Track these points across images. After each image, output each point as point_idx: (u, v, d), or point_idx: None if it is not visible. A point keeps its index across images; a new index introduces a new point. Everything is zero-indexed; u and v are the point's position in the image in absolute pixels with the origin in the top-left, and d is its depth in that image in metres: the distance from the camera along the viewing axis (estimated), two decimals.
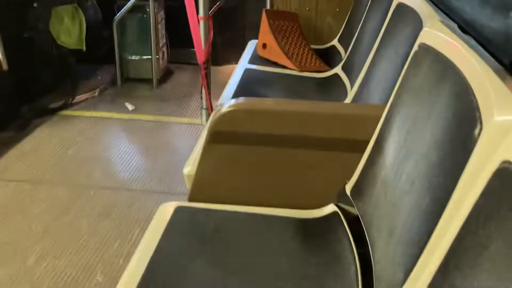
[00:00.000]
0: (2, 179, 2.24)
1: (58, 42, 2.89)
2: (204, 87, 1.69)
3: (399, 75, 1.17)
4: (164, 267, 1.04)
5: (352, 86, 1.80)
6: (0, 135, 2.60)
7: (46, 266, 1.72)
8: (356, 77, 1.76)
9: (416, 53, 1.04)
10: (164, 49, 3.44)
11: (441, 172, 0.72)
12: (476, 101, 0.68)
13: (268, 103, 1.35)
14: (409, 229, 0.79)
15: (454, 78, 0.81)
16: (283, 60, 2.27)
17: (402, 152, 0.93)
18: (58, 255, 1.78)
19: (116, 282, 1.66)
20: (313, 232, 1.18)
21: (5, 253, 1.78)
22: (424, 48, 1.00)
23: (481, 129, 0.63)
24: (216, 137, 1.28)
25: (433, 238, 0.67)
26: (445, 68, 0.87)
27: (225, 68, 3.71)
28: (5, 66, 2.48)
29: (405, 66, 1.06)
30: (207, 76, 1.77)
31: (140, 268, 1.03)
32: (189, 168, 1.38)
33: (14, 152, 2.47)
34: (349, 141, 1.22)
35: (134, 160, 2.47)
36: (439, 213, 0.68)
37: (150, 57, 3.26)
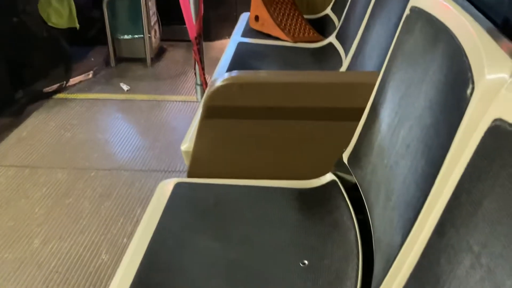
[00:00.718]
0: (2, 165, 2.24)
1: (50, 23, 2.85)
2: (197, 63, 1.68)
3: (391, 41, 1.16)
4: (166, 243, 1.06)
5: (346, 54, 1.79)
6: None
7: (51, 248, 1.75)
8: (350, 45, 1.75)
9: (408, 16, 1.03)
10: (156, 27, 3.40)
11: (435, 134, 0.73)
12: (468, 61, 0.68)
13: (262, 75, 1.35)
14: (405, 192, 0.80)
15: (446, 40, 0.80)
16: (276, 32, 2.24)
17: (397, 117, 0.93)
18: (63, 236, 1.80)
19: (121, 260, 1.70)
20: (312, 202, 1.19)
21: (11, 237, 1.80)
22: (416, 11, 0.99)
23: (473, 88, 0.63)
24: (211, 112, 1.28)
25: (429, 200, 0.68)
26: (437, 30, 0.86)
27: (218, 43, 3.67)
28: None
29: (398, 31, 1.05)
30: (200, 51, 1.75)
31: (142, 245, 1.04)
32: (187, 144, 1.38)
33: (11, 138, 2.47)
34: (345, 109, 1.22)
35: (132, 140, 2.47)
36: (434, 174, 0.69)
37: (142, 35, 3.23)
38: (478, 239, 0.52)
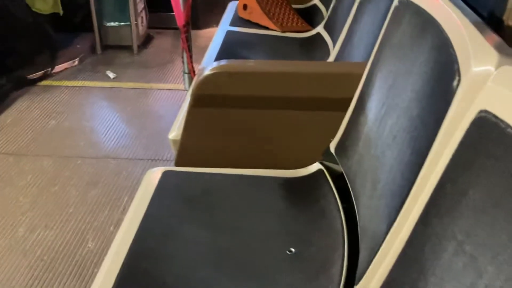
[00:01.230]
0: None
1: (34, 9, 2.80)
2: (185, 51, 1.66)
3: (379, 31, 1.17)
4: (154, 231, 1.06)
5: (334, 45, 1.79)
6: None
7: (37, 235, 1.74)
8: (338, 35, 1.75)
9: (396, 8, 1.03)
10: (143, 14, 3.36)
11: (422, 125, 0.74)
12: (455, 53, 0.69)
13: (250, 65, 1.35)
14: (391, 182, 0.81)
15: (434, 32, 0.81)
16: (264, 21, 2.24)
17: (384, 108, 0.94)
18: (48, 224, 1.79)
19: (108, 248, 1.69)
20: (299, 190, 1.20)
21: None
22: (404, 3, 1.00)
23: (459, 80, 0.64)
24: (199, 101, 1.28)
25: (414, 189, 0.69)
26: (425, 22, 0.87)
27: (206, 31, 3.65)
28: None
29: (386, 22, 1.06)
30: (188, 39, 1.74)
31: (130, 233, 1.05)
32: (174, 133, 1.38)
33: None
34: (333, 100, 1.23)
35: (119, 129, 2.46)
36: (420, 164, 0.70)
37: (129, 23, 3.19)
38: (462, 228, 0.54)
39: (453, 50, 0.70)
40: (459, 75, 0.65)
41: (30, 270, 1.59)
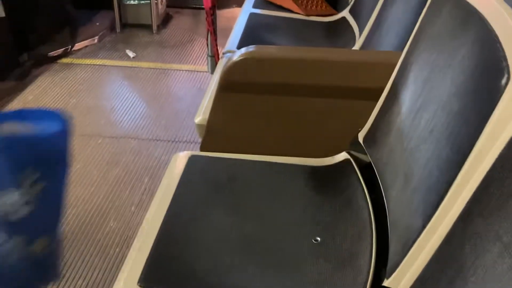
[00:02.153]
0: None
1: None
2: (211, 34, 1.65)
3: (413, 20, 1.15)
4: (182, 216, 1.07)
5: (360, 31, 1.77)
6: (2, 85, 2.57)
7: None
8: (366, 21, 1.72)
9: None
10: None
11: (463, 122, 0.73)
12: (503, 50, 0.67)
13: (280, 51, 1.33)
14: (427, 177, 0.80)
15: (477, 25, 0.79)
16: (288, 3, 2.21)
17: (420, 100, 0.93)
18: (71, 203, 1.82)
19: (129, 228, 1.73)
20: (326, 180, 1.20)
21: None
22: None
23: (508, 78, 0.63)
24: (227, 86, 1.27)
25: (454, 187, 0.69)
26: (467, 14, 0.85)
27: (226, 11, 3.61)
28: (1, 13, 2.41)
29: (423, 12, 1.04)
30: (214, 22, 1.72)
31: (158, 217, 1.06)
32: (200, 117, 1.38)
33: (16, 102, 2.46)
34: (362, 89, 1.22)
35: (139, 108, 2.46)
36: (461, 162, 0.69)
37: (149, 1, 3.17)
38: (509, 230, 0.53)
39: (501, 46, 0.68)
40: (508, 74, 0.63)
41: None
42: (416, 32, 1.05)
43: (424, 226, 0.74)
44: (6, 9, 2.46)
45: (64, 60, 2.90)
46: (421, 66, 0.98)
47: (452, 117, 0.77)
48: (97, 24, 3.32)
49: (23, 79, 2.65)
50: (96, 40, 3.12)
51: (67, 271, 1.54)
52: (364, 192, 1.13)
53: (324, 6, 2.24)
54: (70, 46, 2.95)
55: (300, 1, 2.22)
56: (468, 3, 0.86)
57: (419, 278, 0.71)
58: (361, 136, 1.18)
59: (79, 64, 2.88)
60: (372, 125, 1.14)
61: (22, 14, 2.66)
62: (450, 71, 0.83)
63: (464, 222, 0.64)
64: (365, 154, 1.16)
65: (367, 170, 1.16)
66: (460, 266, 0.62)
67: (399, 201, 0.91)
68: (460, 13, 0.88)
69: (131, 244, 1.65)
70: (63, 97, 2.52)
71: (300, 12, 2.18)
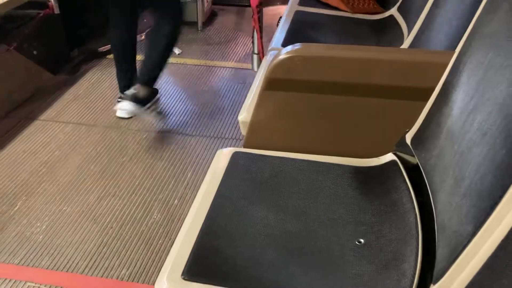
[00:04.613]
0: (60, 121, 2.34)
1: None
2: (257, 31, 1.65)
3: (466, 19, 1.11)
4: (226, 211, 1.08)
5: (409, 29, 1.72)
6: (54, 78, 2.68)
7: (106, 204, 1.83)
8: (415, 19, 1.68)
9: None
10: None
11: None
12: None
13: (326, 49, 1.32)
14: (479, 181, 0.78)
15: None
16: (334, 1, 2.18)
17: (473, 102, 0.89)
18: (117, 194, 1.88)
19: (172, 221, 1.76)
20: (370, 181, 1.18)
21: (69, 191, 1.89)
22: None
23: None
24: (272, 84, 1.27)
25: (510, 192, 0.66)
26: None
27: (270, 9, 3.61)
28: (56, 10, 2.51)
29: (479, 10, 1.00)
30: (260, 20, 1.72)
31: (202, 211, 1.07)
32: (244, 114, 1.39)
33: (68, 95, 2.56)
34: (411, 88, 1.19)
35: (183, 104, 2.51)
36: None
37: None
38: None
39: None
40: None
41: (100, 236, 1.69)
42: (470, 31, 1.02)
43: (475, 232, 0.71)
44: (60, 6, 2.57)
45: (112, 56, 2.98)
46: (475, 66, 0.94)
47: (509, 119, 0.74)
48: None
49: (74, 74, 2.76)
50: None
51: (112, 259, 1.60)
52: (411, 195, 1.10)
53: (371, 4, 2.20)
54: None
55: None
56: None
57: (469, 285, 0.69)
58: (408, 137, 1.15)
59: None
60: (421, 126, 1.12)
61: (74, 11, 2.76)
62: (507, 72, 0.80)
63: None
64: (412, 155, 1.14)
65: (414, 172, 1.14)
66: None
67: (448, 205, 0.89)
68: None
69: (174, 236, 1.70)
70: (111, 91, 2.60)
71: (347, 9, 2.15)
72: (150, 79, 2.17)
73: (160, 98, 2.53)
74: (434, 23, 1.49)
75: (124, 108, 2.16)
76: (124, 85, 2.22)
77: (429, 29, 1.51)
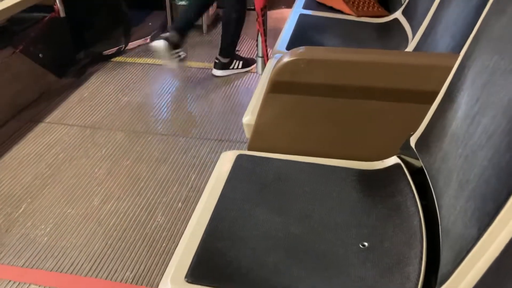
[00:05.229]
0: (66, 123, 2.35)
1: None
2: (261, 35, 1.66)
3: (471, 22, 1.11)
4: (230, 213, 1.08)
5: (414, 32, 1.72)
6: (60, 81, 2.70)
7: (110, 207, 1.83)
8: (419, 22, 1.68)
9: None
10: None
11: None
12: None
13: (331, 52, 1.32)
14: (483, 185, 0.77)
15: None
16: (339, 4, 2.18)
17: (478, 105, 0.89)
18: (121, 197, 1.88)
19: (176, 224, 1.76)
20: (374, 183, 1.18)
21: (74, 194, 1.90)
22: None
23: None
24: (277, 87, 1.27)
25: None
26: None
27: (275, 12, 3.62)
28: (62, 13, 2.53)
29: (484, 12, 1.00)
30: (264, 23, 1.73)
31: (206, 213, 1.08)
32: (249, 117, 1.39)
33: (73, 98, 2.57)
34: (415, 91, 1.19)
35: (187, 107, 2.52)
36: None
37: None
38: None
39: None
40: None
41: (104, 238, 1.69)
42: (475, 33, 1.01)
43: (480, 236, 0.71)
44: (65, 9, 2.58)
45: (118, 59, 3.00)
46: (480, 70, 0.94)
47: None
48: (150, 24, 3.41)
49: (80, 76, 2.77)
50: (148, 40, 3.21)
51: (116, 262, 1.60)
52: (415, 198, 1.10)
53: (376, 7, 2.20)
54: (123, 45, 3.05)
55: (351, 2, 2.19)
56: None
57: None
58: (413, 140, 1.15)
59: (132, 63, 2.97)
60: (425, 129, 1.11)
61: (80, 14, 2.78)
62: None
63: None
64: (417, 159, 1.13)
65: (418, 175, 1.13)
66: None
67: (452, 209, 0.88)
68: None
69: (178, 239, 1.71)
70: (115, 94, 2.62)
71: (351, 13, 2.15)
72: (223, 48, 2.76)
73: (165, 102, 2.54)
74: (438, 26, 1.48)
75: (158, 44, 2.55)
76: (174, 27, 2.66)
77: (434, 32, 1.50)
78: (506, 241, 0.64)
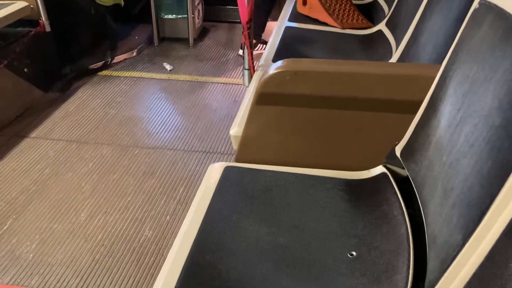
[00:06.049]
0: (51, 138, 2.33)
1: (97, 1, 2.91)
2: (247, 47, 1.68)
3: (452, 33, 1.13)
4: (218, 225, 1.08)
5: (397, 44, 1.75)
6: (46, 96, 2.68)
7: (97, 221, 1.81)
8: (402, 34, 1.71)
9: (476, 10, 0.99)
10: (200, 7, 3.41)
11: (506, 136, 0.71)
12: None
13: (316, 64, 1.34)
14: (467, 191, 0.79)
15: None
16: (324, 17, 2.22)
17: (460, 114, 0.91)
18: (108, 211, 1.87)
19: (164, 237, 1.75)
20: (361, 193, 1.19)
21: (60, 209, 1.87)
22: (485, 5, 0.96)
23: None
24: (263, 98, 1.28)
25: (497, 202, 0.67)
26: (509, 26, 0.84)
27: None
28: (47, 28, 2.53)
29: (463, 25, 1.02)
30: (250, 35, 1.75)
31: (195, 225, 1.07)
32: (236, 129, 1.40)
33: (59, 112, 2.56)
34: (399, 102, 1.21)
35: (175, 120, 2.52)
36: (504, 177, 0.67)
37: (186, 16, 3.24)
38: None
39: None
40: None
41: (91, 254, 1.67)
42: (455, 45, 1.04)
43: (464, 242, 0.72)
44: (50, 24, 2.58)
45: (104, 73, 3.00)
46: (461, 79, 0.96)
47: (494, 131, 0.75)
48: (136, 37, 3.42)
49: (65, 91, 2.76)
50: (134, 53, 3.21)
51: (103, 277, 1.58)
52: (401, 207, 1.11)
53: (360, 19, 2.24)
54: (109, 59, 3.05)
55: (336, 15, 2.23)
56: (510, 15, 0.85)
57: None
58: (398, 150, 1.17)
59: (118, 76, 2.97)
60: (410, 138, 1.13)
61: (65, 28, 2.78)
62: (492, 85, 0.82)
63: (508, 238, 0.62)
64: (402, 168, 1.15)
65: (404, 184, 1.15)
66: (504, 285, 0.60)
67: (438, 216, 0.90)
68: (502, 26, 0.86)
69: (166, 252, 1.69)
70: (102, 108, 2.61)
71: (336, 25, 2.19)
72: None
73: (152, 115, 2.54)
74: (421, 38, 1.52)
75: None
76: None
77: (417, 43, 1.53)
78: (489, 247, 0.65)
